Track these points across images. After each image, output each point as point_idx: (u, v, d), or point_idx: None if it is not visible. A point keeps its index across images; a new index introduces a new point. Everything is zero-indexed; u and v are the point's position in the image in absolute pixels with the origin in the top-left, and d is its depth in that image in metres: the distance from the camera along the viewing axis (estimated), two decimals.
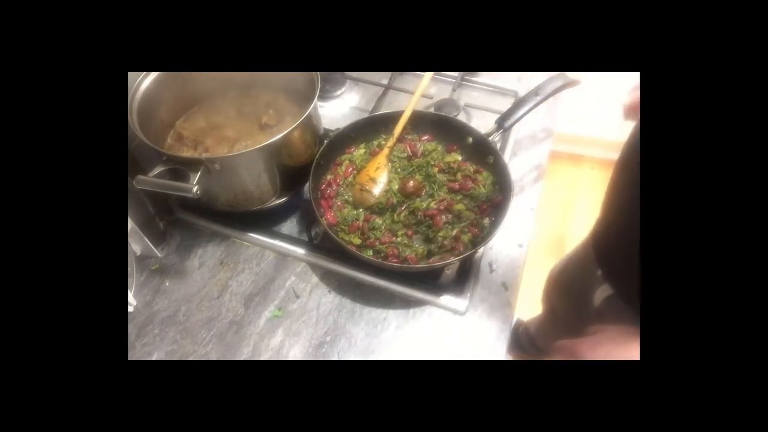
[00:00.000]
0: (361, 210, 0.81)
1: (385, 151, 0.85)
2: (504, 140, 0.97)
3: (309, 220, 0.84)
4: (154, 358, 0.72)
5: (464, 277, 0.78)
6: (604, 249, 0.83)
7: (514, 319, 0.77)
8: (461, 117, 0.98)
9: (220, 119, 0.88)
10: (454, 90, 1.05)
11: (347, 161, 0.86)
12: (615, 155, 0.77)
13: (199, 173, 0.68)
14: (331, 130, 0.92)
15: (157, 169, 0.68)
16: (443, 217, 0.79)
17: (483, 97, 1.07)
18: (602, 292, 0.84)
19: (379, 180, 0.82)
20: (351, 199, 0.82)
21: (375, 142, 0.89)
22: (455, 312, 0.76)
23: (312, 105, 0.76)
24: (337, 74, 1.10)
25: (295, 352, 0.73)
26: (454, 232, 0.77)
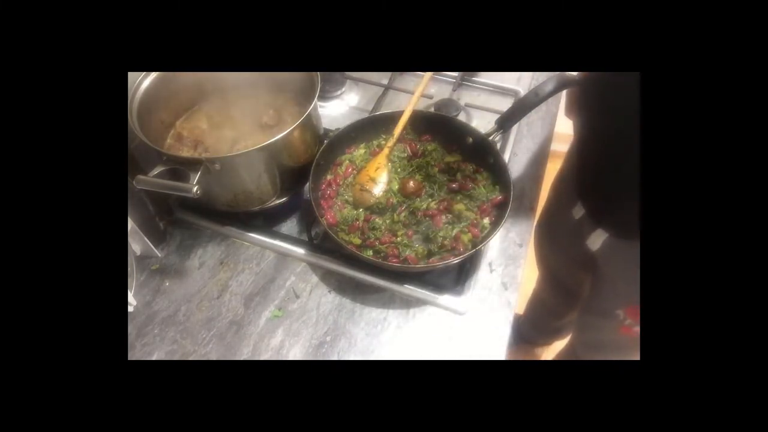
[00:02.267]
0: (361, 210, 0.81)
1: (385, 151, 0.85)
2: (504, 140, 0.97)
3: (309, 220, 0.84)
4: (154, 358, 0.72)
5: (464, 277, 0.78)
6: (581, 174, 0.84)
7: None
8: (461, 117, 0.98)
9: (220, 119, 0.88)
10: (454, 90, 1.05)
11: (347, 161, 0.86)
12: None
13: (199, 173, 0.68)
14: (331, 130, 0.92)
15: (157, 169, 0.68)
16: (443, 217, 0.79)
17: (483, 97, 1.07)
18: (578, 212, 0.86)
19: (379, 180, 0.82)
20: (351, 199, 0.82)
21: (375, 142, 0.89)
22: (455, 312, 0.76)
23: (312, 105, 0.76)
24: (337, 74, 1.10)
25: (295, 352, 0.73)
26: (454, 232, 0.77)
